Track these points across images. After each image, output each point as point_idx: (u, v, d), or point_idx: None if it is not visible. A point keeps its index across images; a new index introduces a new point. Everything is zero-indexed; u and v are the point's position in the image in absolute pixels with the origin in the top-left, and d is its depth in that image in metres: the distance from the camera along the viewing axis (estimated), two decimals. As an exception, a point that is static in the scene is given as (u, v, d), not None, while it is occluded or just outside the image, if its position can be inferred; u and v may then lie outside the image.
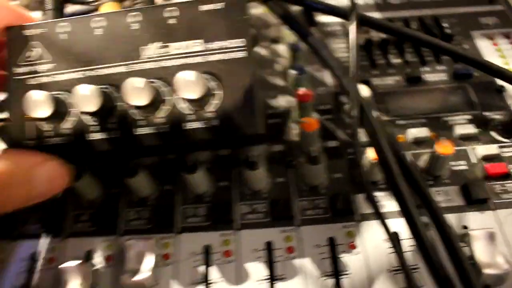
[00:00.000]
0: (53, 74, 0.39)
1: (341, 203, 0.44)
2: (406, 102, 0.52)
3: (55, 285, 0.43)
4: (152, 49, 0.38)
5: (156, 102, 0.36)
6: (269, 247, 0.43)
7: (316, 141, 0.48)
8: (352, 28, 0.38)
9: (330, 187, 0.46)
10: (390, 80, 0.55)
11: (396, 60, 0.57)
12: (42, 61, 0.39)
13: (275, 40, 0.60)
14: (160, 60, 0.38)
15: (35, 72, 0.39)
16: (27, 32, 0.40)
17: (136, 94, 0.35)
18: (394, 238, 0.37)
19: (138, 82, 0.35)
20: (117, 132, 0.38)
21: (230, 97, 0.37)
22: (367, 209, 0.44)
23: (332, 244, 0.43)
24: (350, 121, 0.49)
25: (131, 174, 0.44)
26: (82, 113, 0.38)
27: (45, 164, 0.36)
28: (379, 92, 0.53)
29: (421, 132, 0.49)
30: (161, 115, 0.37)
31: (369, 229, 0.43)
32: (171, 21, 0.38)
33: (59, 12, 0.45)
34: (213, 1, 0.38)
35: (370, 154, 0.43)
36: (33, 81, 0.39)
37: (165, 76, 0.38)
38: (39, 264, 0.44)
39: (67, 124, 0.38)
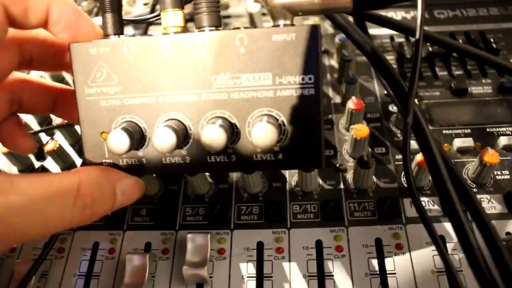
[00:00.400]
0: (123, 98, 0.38)
1: (388, 206, 0.46)
2: (452, 113, 0.54)
3: (115, 274, 0.46)
4: (223, 79, 0.37)
5: (228, 140, 0.36)
6: (319, 246, 0.45)
7: (366, 147, 0.50)
8: (419, 44, 0.39)
9: (378, 191, 0.49)
10: (436, 92, 0.57)
11: (442, 73, 0.59)
12: (109, 82, 0.38)
13: (325, 52, 0.63)
14: (230, 91, 0.37)
15: (106, 93, 0.39)
16: (93, 51, 0.38)
17: (212, 141, 0.35)
18: (439, 241, 0.39)
19: (214, 133, 0.34)
20: (191, 159, 0.39)
21: (296, 134, 0.37)
22: (413, 213, 0.46)
23: (379, 244, 0.45)
24: (400, 129, 0.51)
25: (193, 173, 0.46)
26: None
27: (125, 180, 0.39)
28: (425, 103, 0.55)
29: (466, 142, 0.51)
30: (232, 146, 0.38)
31: (414, 232, 0.45)
32: (242, 50, 0.36)
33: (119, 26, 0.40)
34: (286, 31, 0.36)
35: (418, 160, 0.45)
36: (105, 103, 0.39)
37: (237, 109, 0.37)
38: (100, 254, 0.48)
39: (144, 152, 0.39)
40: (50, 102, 0.46)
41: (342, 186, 0.49)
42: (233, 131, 0.37)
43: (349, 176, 0.50)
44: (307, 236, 0.46)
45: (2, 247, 0.33)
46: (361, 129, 0.48)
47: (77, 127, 0.57)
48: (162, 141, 0.35)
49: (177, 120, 0.38)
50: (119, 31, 0.39)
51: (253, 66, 0.37)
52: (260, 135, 0.34)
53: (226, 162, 0.38)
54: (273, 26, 0.37)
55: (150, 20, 0.43)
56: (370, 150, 0.52)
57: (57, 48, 0.44)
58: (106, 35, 0.39)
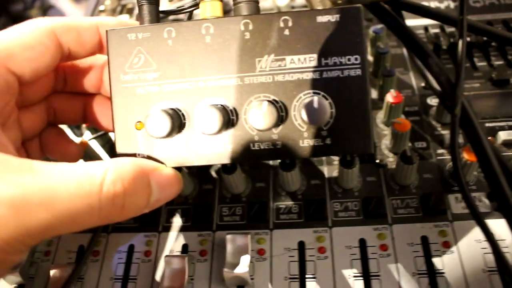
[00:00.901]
0: (161, 84, 0.38)
1: (433, 203, 0.44)
2: (494, 105, 0.52)
3: (152, 277, 0.45)
4: (267, 62, 0.37)
5: (275, 122, 0.36)
6: (362, 245, 0.43)
7: (406, 142, 0.48)
8: (462, 34, 0.38)
9: (420, 187, 0.47)
10: (476, 83, 0.55)
11: (481, 64, 0.57)
12: (147, 68, 0.37)
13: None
14: (275, 74, 0.37)
15: (143, 80, 0.38)
16: (131, 37, 0.37)
17: (259, 118, 0.35)
18: (494, 239, 0.37)
19: (262, 109, 0.35)
20: (233, 147, 0.38)
21: (343, 116, 0.36)
22: (459, 209, 0.45)
23: (425, 243, 0.43)
24: (441, 122, 0.50)
25: (229, 171, 0.45)
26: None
27: (161, 171, 0.36)
28: (465, 95, 0.53)
29: (511, 134, 0.49)
30: (278, 131, 0.37)
31: (462, 229, 0.43)
32: (286, 32, 0.36)
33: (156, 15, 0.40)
34: (330, 12, 0.36)
35: (465, 154, 0.43)
36: (142, 90, 0.38)
37: (282, 92, 0.37)
38: (136, 256, 0.47)
39: (181, 140, 0.38)
40: (81, 110, 0.46)
41: (383, 182, 0.48)
42: (278, 115, 0.36)
43: (390, 172, 0.48)
44: (349, 234, 0.44)
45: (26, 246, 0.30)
46: (402, 123, 0.47)
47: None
48: (208, 121, 0.35)
49: (219, 105, 0.37)
50: (155, 21, 0.39)
51: (298, 47, 0.36)
52: (312, 114, 0.34)
53: (271, 149, 0.37)
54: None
55: (187, 10, 0.42)
56: (410, 144, 0.50)
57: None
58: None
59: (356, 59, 0.36)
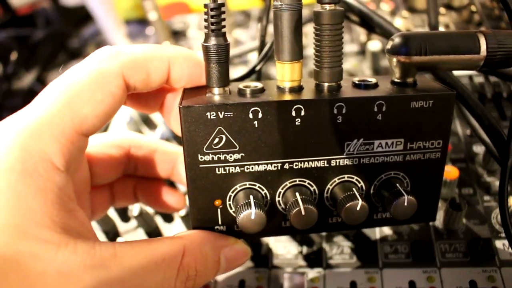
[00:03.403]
0: (244, 165, 0.37)
1: (481, 248, 0.46)
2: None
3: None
4: (356, 145, 0.37)
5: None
6: (412, 287, 0.46)
7: (455, 188, 0.51)
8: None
9: (468, 232, 0.49)
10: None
11: (526, 113, 0.59)
12: (229, 150, 0.36)
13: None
14: (361, 157, 0.37)
15: (224, 161, 0.37)
16: (210, 115, 0.35)
17: (353, 216, 0.37)
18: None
19: (357, 208, 0.36)
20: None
21: (416, 192, 0.38)
22: (507, 256, 0.46)
23: (473, 287, 0.45)
24: (488, 170, 0.52)
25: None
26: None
27: (232, 247, 0.38)
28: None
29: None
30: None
31: (510, 275, 0.45)
32: (379, 117, 0.36)
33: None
34: (424, 98, 0.36)
35: (512, 202, 0.46)
36: (222, 170, 0.37)
37: (364, 173, 0.38)
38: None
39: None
40: (169, 167, 0.48)
41: (431, 227, 0.50)
42: (361, 195, 0.37)
43: (438, 217, 0.50)
44: (399, 276, 0.46)
45: None
46: (451, 171, 0.49)
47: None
48: (305, 218, 0.36)
49: (303, 185, 0.38)
50: (225, 83, 0.37)
51: (387, 132, 0.37)
52: (404, 208, 0.36)
53: (345, 222, 0.38)
54: (392, 81, 0.38)
55: (258, 68, 0.44)
56: (457, 190, 0.52)
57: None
58: (209, 87, 0.37)
59: (439, 143, 0.37)
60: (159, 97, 0.43)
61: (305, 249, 0.50)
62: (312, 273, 0.48)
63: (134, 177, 0.49)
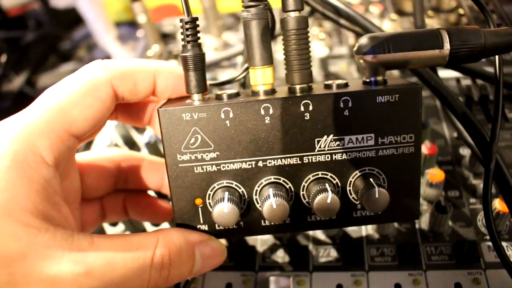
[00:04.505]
0: (220, 163, 0.38)
1: (467, 251, 0.46)
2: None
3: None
4: (326, 142, 0.38)
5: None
6: (398, 289, 0.46)
7: (441, 191, 0.51)
8: (498, 95, 0.40)
9: (454, 235, 0.49)
10: (507, 134, 0.57)
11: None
12: (205, 149, 0.38)
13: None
14: (333, 153, 0.38)
15: (201, 160, 0.38)
16: (186, 116, 0.37)
17: (323, 208, 0.37)
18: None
19: (328, 199, 0.36)
20: (291, 219, 0.40)
21: (394, 189, 0.38)
22: (492, 258, 0.46)
23: (459, 290, 0.45)
24: (474, 172, 0.52)
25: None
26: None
27: (206, 243, 0.39)
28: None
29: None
30: None
31: (495, 277, 0.45)
32: (346, 113, 0.37)
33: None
34: (390, 92, 0.36)
35: (497, 205, 0.46)
36: (200, 169, 0.39)
37: (339, 170, 0.38)
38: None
39: (243, 216, 0.40)
40: (158, 178, 0.49)
41: (417, 229, 0.50)
42: (338, 192, 0.39)
43: (424, 219, 0.50)
44: (385, 279, 0.46)
45: None
46: (437, 174, 0.49)
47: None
48: (277, 211, 0.37)
49: (278, 183, 0.39)
50: (203, 89, 0.39)
51: (356, 127, 0.37)
52: (375, 201, 0.36)
53: (326, 220, 0.39)
54: (364, 81, 0.39)
55: (238, 79, 0.45)
56: (443, 193, 0.53)
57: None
58: (188, 94, 0.39)
59: (411, 137, 0.38)
60: (148, 111, 0.46)
61: (291, 252, 0.50)
62: (298, 276, 0.48)
63: (123, 192, 0.50)
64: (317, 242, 0.50)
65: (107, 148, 0.60)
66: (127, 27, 1.34)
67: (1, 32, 1.30)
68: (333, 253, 0.49)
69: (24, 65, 1.19)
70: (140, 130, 0.70)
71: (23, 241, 0.30)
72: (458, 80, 0.65)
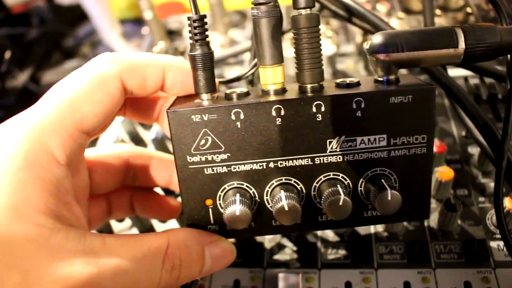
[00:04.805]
0: (231, 164, 0.38)
1: (476, 249, 0.46)
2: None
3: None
4: (338, 143, 0.37)
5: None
6: (407, 287, 0.45)
7: (449, 189, 0.51)
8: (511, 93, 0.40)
9: (463, 233, 0.49)
10: (515, 133, 0.57)
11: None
12: (215, 150, 0.38)
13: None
14: (345, 154, 0.38)
15: (211, 161, 0.38)
16: (195, 118, 0.37)
17: (335, 210, 0.36)
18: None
19: (340, 202, 0.36)
20: (302, 219, 0.40)
21: (406, 190, 0.38)
22: (501, 257, 0.46)
23: (468, 288, 0.45)
24: (483, 171, 0.52)
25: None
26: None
27: (216, 244, 0.39)
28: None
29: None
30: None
31: (504, 276, 0.45)
32: (358, 113, 0.36)
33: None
34: (403, 93, 0.36)
35: (507, 203, 0.46)
36: (210, 171, 0.38)
37: (350, 171, 0.38)
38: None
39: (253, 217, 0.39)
40: (166, 175, 0.49)
41: (426, 227, 0.50)
42: (349, 193, 0.39)
43: (433, 217, 0.50)
44: (394, 277, 0.46)
45: None
46: (446, 172, 0.49)
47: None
48: (289, 214, 0.36)
49: (289, 184, 0.39)
50: (212, 89, 0.39)
51: (368, 128, 0.37)
52: (388, 203, 0.36)
53: (337, 220, 0.39)
54: (375, 80, 0.38)
55: (246, 76, 0.45)
56: (452, 191, 0.52)
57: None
58: (197, 93, 0.39)
59: (423, 138, 0.37)
60: (156, 107, 0.46)
61: (299, 249, 0.50)
62: (307, 273, 0.48)
63: (130, 189, 0.50)
64: (325, 239, 0.50)
65: (115, 144, 0.60)
66: (131, 24, 1.34)
67: (5, 29, 1.29)
68: (342, 251, 0.49)
69: (28, 62, 1.19)
70: (147, 126, 0.70)
71: (36, 241, 0.30)
72: (466, 78, 0.65)
